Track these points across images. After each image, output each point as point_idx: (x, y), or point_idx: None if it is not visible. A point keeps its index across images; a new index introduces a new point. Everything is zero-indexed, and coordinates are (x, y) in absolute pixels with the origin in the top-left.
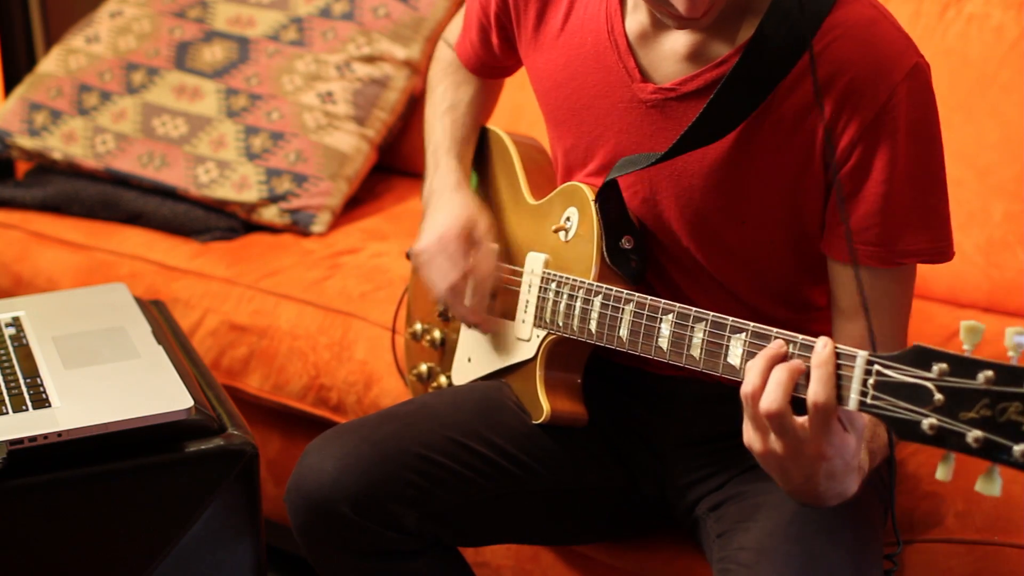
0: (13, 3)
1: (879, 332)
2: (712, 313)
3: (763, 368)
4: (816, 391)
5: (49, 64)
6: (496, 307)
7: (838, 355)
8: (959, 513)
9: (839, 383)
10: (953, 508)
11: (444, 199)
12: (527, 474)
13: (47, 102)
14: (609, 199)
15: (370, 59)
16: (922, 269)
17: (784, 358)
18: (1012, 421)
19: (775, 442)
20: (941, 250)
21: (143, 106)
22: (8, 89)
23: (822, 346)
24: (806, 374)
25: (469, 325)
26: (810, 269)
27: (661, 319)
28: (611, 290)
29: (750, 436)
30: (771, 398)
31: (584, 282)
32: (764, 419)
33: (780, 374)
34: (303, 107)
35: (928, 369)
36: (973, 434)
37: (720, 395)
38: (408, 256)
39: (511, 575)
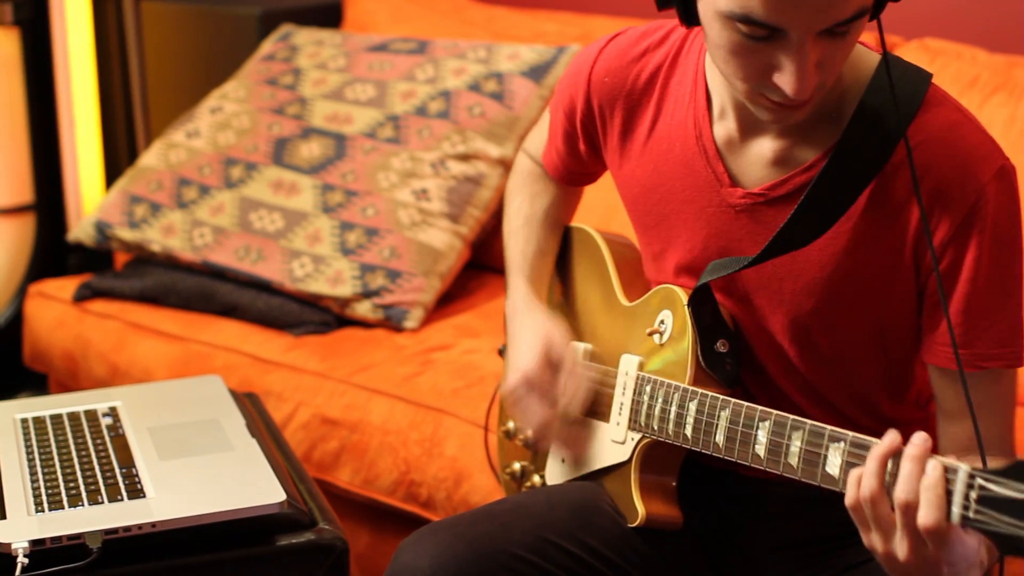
0: (116, 97)
1: (985, 435)
2: (810, 422)
3: (879, 469)
4: (926, 515)
5: (150, 158)
6: (590, 409)
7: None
8: None
9: None
10: None
11: (518, 323)
12: (619, 575)
13: (147, 195)
14: (703, 302)
15: (464, 157)
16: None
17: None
18: None
19: (899, 544)
20: (1016, 355)
21: (241, 200)
22: (109, 182)
23: (932, 468)
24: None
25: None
26: (893, 379)
27: (758, 426)
28: (707, 396)
29: (870, 539)
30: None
31: (679, 386)
32: (886, 522)
33: (923, 484)
34: (398, 204)
35: None
36: None
37: (812, 498)
38: (500, 353)
39: None
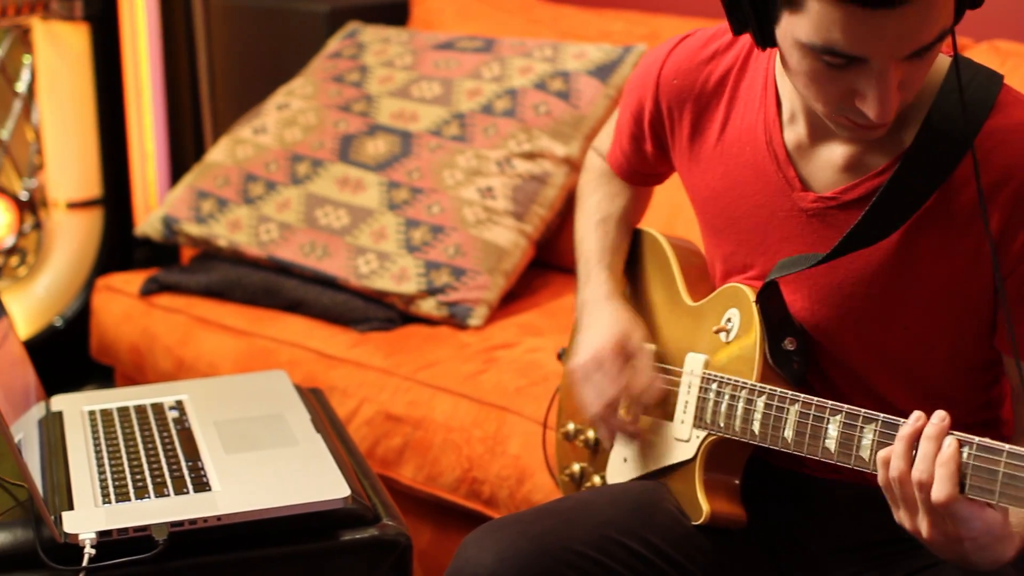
0: (183, 93)
1: None
2: (882, 415)
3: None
4: (938, 490)
5: (217, 154)
6: (653, 409)
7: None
8: None
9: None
10: None
11: (596, 311)
12: (681, 574)
13: (214, 191)
14: (770, 300)
15: (530, 155)
16: None
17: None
18: None
19: (922, 522)
20: None
21: (307, 197)
22: (176, 177)
23: (947, 444)
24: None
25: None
26: (960, 379)
27: (829, 420)
28: (775, 391)
29: (899, 516)
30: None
31: (747, 383)
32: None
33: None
34: (463, 201)
35: None
36: None
37: (878, 499)
38: (559, 356)
39: None
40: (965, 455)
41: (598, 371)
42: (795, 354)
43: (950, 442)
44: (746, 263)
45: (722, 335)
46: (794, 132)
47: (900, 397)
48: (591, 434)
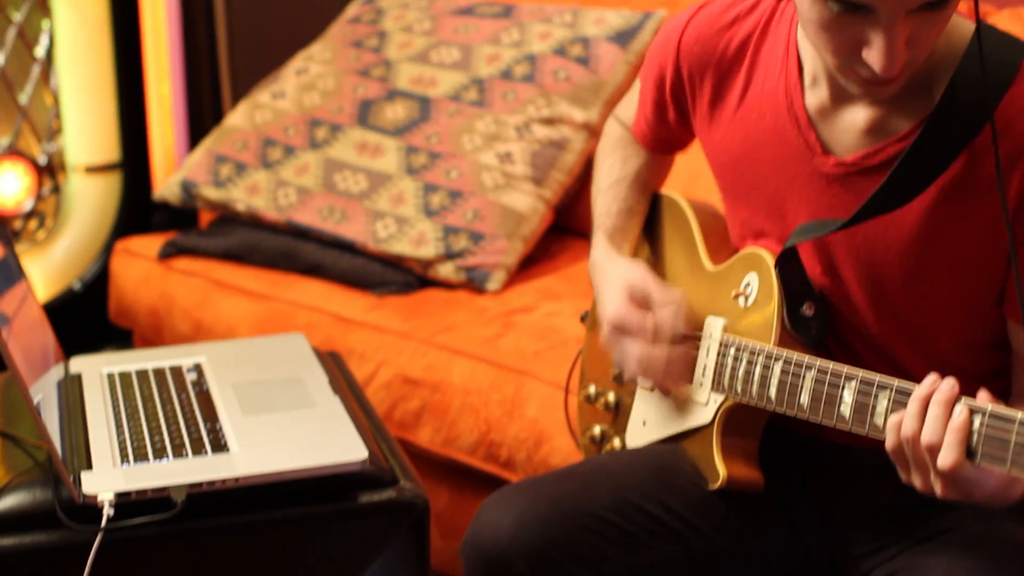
0: (202, 58)
1: None
2: (897, 381)
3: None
4: (944, 456)
5: (236, 118)
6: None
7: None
8: None
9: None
10: None
11: (599, 278)
12: (700, 538)
13: (233, 155)
14: (790, 265)
15: (549, 121)
16: None
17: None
18: None
19: (935, 483)
20: None
21: (325, 161)
22: (195, 141)
23: (957, 411)
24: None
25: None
26: (978, 350)
27: (844, 386)
28: (792, 356)
29: (910, 478)
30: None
31: (764, 348)
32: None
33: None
34: (482, 166)
35: None
36: None
37: None
38: (582, 319)
39: None
40: (977, 423)
41: (622, 336)
42: (813, 319)
43: (961, 410)
44: (765, 228)
45: (740, 300)
46: (816, 96)
47: (915, 363)
48: (612, 397)
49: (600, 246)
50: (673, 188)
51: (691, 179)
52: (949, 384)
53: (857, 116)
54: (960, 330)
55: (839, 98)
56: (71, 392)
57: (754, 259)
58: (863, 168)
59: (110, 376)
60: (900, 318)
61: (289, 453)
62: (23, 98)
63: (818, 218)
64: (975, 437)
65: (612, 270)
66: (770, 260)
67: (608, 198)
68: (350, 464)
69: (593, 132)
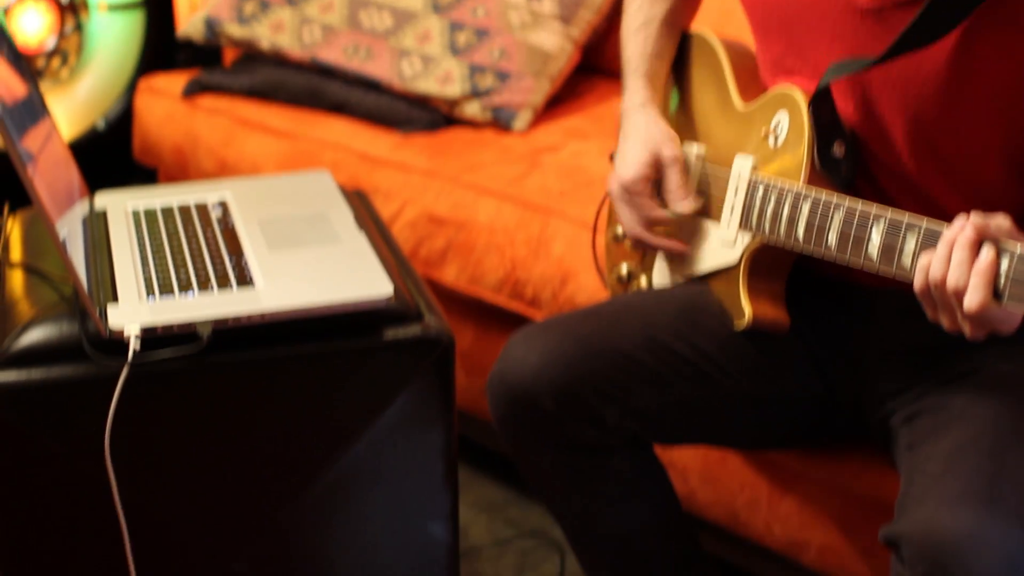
0: None
1: None
2: (926, 220)
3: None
4: (970, 298)
5: None
6: (699, 210)
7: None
8: None
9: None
10: None
11: (631, 122)
12: (726, 377)
13: None
14: (821, 104)
15: None
16: None
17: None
18: None
19: (963, 324)
20: None
21: None
22: None
23: (984, 253)
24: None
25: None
26: (1016, 185)
27: (872, 226)
28: (820, 196)
29: (937, 317)
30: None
31: (793, 187)
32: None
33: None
34: (508, 5)
35: None
36: None
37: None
38: (612, 158)
39: (698, 477)
40: (1005, 265)
41: (634, 196)
42: (844, 160)
43: (987, 252)
44: (796, 66)
45: (770, 139)
46: None
47: (951, 200)
48: None
49: (637, 90)
50: (703, 26)
51: (722, 18)
52: (974, 225)
53: None
54: (998, 165)
55: None
56: (96, 228)
57: (785, 98)
58: (898, 1)
59: (135, 212)
60: (937, 152)
61: (315, 288)
62: None
63: (851, 55)
64: (1002, 280)
65: (643, 121)
66: (801, 99)
67: (640, 40)
68: (375, 300)
69: None
